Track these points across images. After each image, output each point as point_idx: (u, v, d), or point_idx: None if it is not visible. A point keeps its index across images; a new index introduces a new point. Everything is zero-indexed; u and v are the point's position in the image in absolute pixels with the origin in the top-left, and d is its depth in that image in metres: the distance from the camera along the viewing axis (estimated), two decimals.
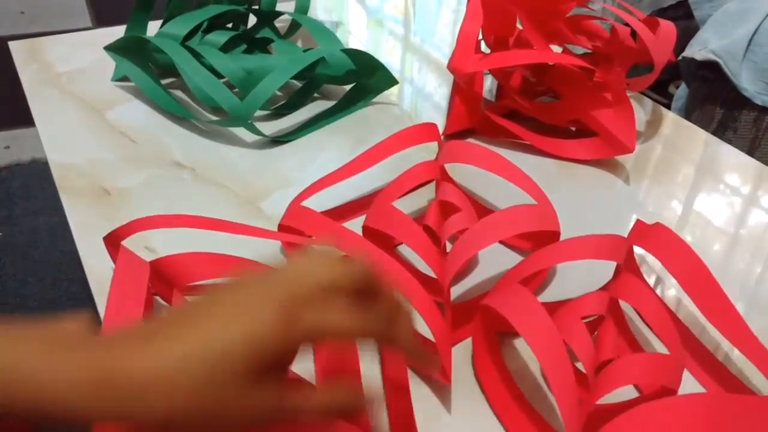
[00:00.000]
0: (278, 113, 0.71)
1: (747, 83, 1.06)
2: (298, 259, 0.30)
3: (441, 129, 0.68)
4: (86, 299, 0.45)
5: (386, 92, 0.74)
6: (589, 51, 0.73)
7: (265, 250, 0.49)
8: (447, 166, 0.56)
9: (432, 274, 0.47)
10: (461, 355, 0.44)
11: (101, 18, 1.67)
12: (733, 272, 0.53)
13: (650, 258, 0.52)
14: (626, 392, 0.42)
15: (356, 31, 0.92)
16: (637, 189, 0.62)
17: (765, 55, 1.04)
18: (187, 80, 0.70)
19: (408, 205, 0.58)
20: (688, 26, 1.25)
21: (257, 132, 0.65)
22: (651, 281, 0.51)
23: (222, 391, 0.27)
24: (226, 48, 0.73)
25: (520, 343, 0.45)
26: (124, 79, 0.74)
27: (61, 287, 1.39)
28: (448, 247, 0.48)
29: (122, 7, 1.49)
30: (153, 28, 0.76)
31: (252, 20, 0.82)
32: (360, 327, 0.29)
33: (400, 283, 0.41)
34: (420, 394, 0.41)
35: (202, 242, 0.46)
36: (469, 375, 0.43)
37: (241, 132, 0.67)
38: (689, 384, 0.43)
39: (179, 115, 0.68)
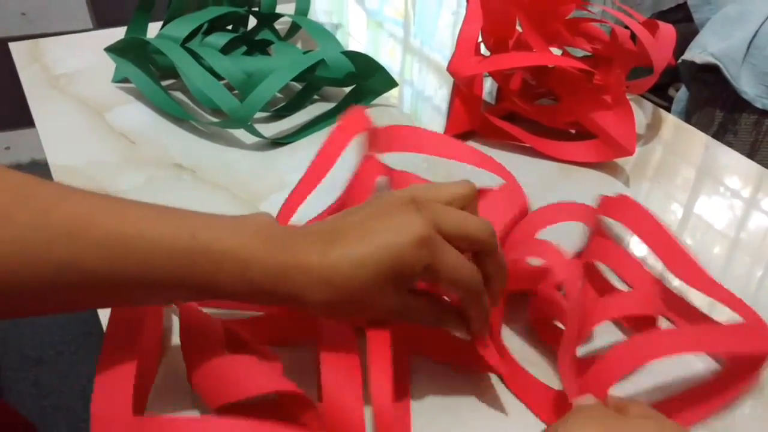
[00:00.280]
0: (278, 115, 0.71)
1: (747, 86, 1.06)
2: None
3: (441, 131, 0.68)
4: None
5: (386, 94, 0.74)
6: (589, 53, 0.73)
7: None
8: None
9: None
10: None
11: (101, 19, 1.67)
12: (734, 275, 0.53)
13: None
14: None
15: (356, 33, 0.92)
16: (636, 192, 0.62)
17: (764, 59, 1.04)
18: (187, 82, 0.70)
19: None
20: (687, 29, 1.25)
21: (257, 134, 0.65)
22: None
23: (377, 290, 0.34)
24: (226, 50, 0.73)
25: None
26: (125, 80, 0.74)
27: None
28: None
29: (123, 8, 1.49)
30: (153, 29, 0.76)
31: (252, 22, 0.82)
32: (476, 277, 0.36)
33: None
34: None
35: None
36: None
37: (240, 134, 0.67)
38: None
39: (179, 117, 0.68)
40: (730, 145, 0.74)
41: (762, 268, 0.54)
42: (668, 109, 1.22)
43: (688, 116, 1.21)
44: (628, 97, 0.64)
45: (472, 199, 0.38)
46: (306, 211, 0.49)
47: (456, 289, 0.36)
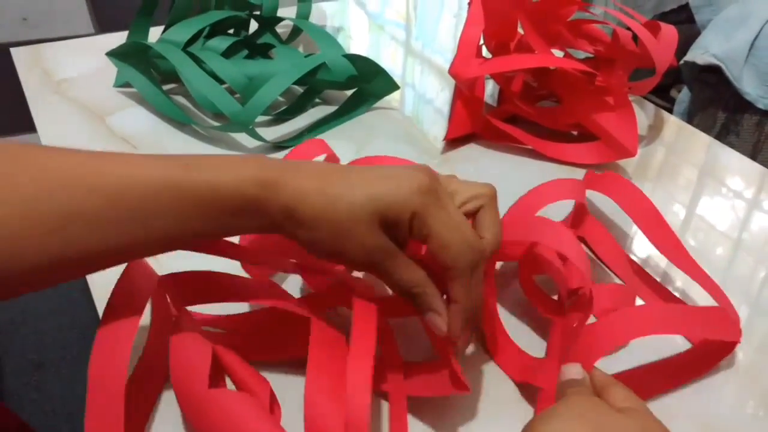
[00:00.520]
0: (279, 118, 0.71)
1: (749, 87, 1.06)
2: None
3: (443, 133, 0.68)
4: (86, 304, 0.45)
5: (387, 97, 0.74)
6: (591, 55, 0.73)
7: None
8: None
9: None
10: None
11: (103, 24, 1.68)
12: (736, 276, 0.53)
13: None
14: None
15: (357, 37, 0.92)
16: None
17: (766, 60, 1.04)
18: (189, 86, 0.70)
19: None
20: (689, 30, 1.25)
21: (258, 137, 0.65)
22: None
23: (365, 220, 0.33)
24: (227, 54, 0.73)
25: None
26: (126, 85, 0.74)
27: (61, 293, 1.39)
28: None
29: (124, 13, 1.50)
30: (155, 34, 0.76)
31: (254, 26, 0.82)
32: (472, 244, 0.35)
33: None
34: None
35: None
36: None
37: (242, 137, 0.67)
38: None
39: (181, 121, 0.68)
40: (732, 146, 0.74)
41: (765, 269, 0.54)
42: (670, 111, 1.22)
43: (690, 117, 1.21)
44: (629, 98, 0.64)
45: (489, 198, 0.38)
46: None
47: (445, 254, 0.34)
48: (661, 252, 0.48)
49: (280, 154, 0.65)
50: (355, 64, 0.70)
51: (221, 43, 0.74)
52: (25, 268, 0.31)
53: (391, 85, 0.72)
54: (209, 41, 0.74)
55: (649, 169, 0.66)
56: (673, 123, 0.74)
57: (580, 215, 0.52)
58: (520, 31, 0.68)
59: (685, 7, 1.33)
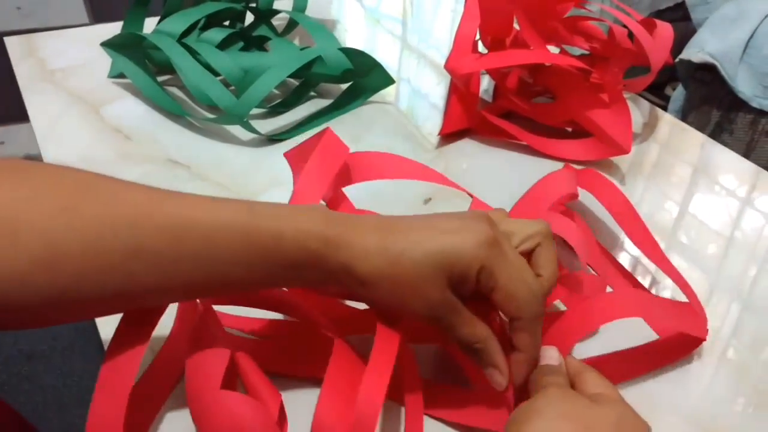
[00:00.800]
0: (274, 111, 0.71)
1: (743, 86, 1.07)
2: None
3: (438, 128, 0.68)
4: None
5: (383, 91, 0.74)
6: (586, 52, 0.73)
7: None
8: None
9: None
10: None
11: (98, 14, 1.67)
12: (728, 274, 0.53)
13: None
14: None
15: (353, 30, 0.92)
16: (632, 190, 0.62)
17: (762, 58, 1.05)
18: (183, 78, 0.70)
19: (404, 206, 0.58)
20: (685, 28, 1.26)
21: (253, 130, 0.65)
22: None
23: (429, 277, 0.33)
24: (223, 46, 0.73)
25: None
26: (121, 75, 0.74)
27: None
28: None
29: (119, 3, 1.49)
30: (150, 24, 0.76)
31: (249, 18, 0.81)
32: (538, 296, 0.35)
33: None
34: None
35: None
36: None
37: (236, 130, 0.67)
38: None
39: (175, 113, 0.68)
40: (726, 144, 0.74)
41: (756, 267, 0.54)
42: (665, 108, 1.22)
43: (684, 115, 1.22)
44: (624, 95, 0.64)
45: (545, 237, 0.38)
46: None
47: (512, 305, 0.35)
48: (635, 245, 0.49)
49: (275, 147, 0.65)
50: (350, 58, 0.70)
51: (217, 35, 0.74)
52: (84, 299, 0.31)
53: (386, 80, 0.72)
54: (205, 33, 0.74)
55: (643, 166, 0.66)
56: (667, 121, 0.74)
57: (559, 206, 0.53)
58: (516, 27, 0.68)
59: (681, 5, 1.33)
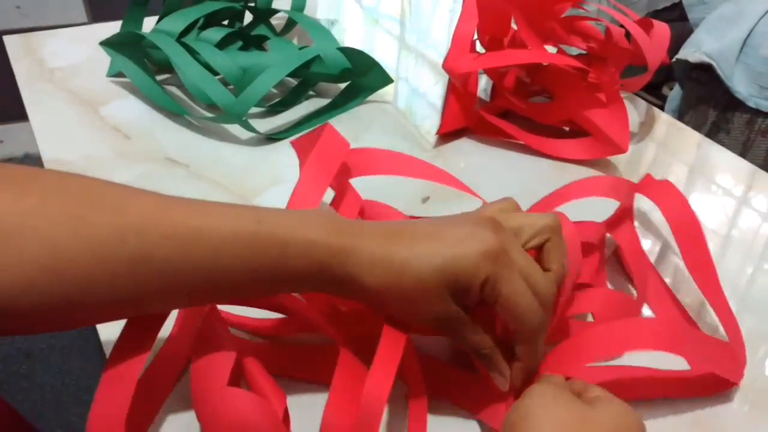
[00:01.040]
0: (273, 110, 0.71)
1: (740, 86, 1.07)
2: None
3: (436, 127, 0.68)
4: None
5: (381, 91, 0.74)
6: (584, 51, 0.73)
7: None
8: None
9: None
10: None
11: (97, 13, 1.67)
12: (725, 273, 0.53)
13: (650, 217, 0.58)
14: None
15: (352, 30, 0.92)
16: None
17: (758, 58, 1.05)
18: (182, 77, 0.70)
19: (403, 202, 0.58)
20: (682, 28, 1.26)
21: (252, 129, 0.65)
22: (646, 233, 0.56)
23: (433, 290, 0.33)
24: (221, 45, 0.73)
25: None
26: (119, 74, 0.74)
27: None
28: None
29: (118, 2, 1.49)
30: (149, 24, 0.76)
31: (248, 17, 0.82)
32: (538, 311, 0.35)
33: None
34: None
35: None
36: None
37: (235, 129, 0.67)
38: None
39: (174, 112, 0.68)
40: (722, 143, 0.74)
41: (753, 266, 0.54)
42: (662, 108, 1.22)
43: (681, 115, 1.22)
44: (621, 95, 0.64)
45: (554, 231, 0.38)
46: None
47: (513, 317, 0.35)
48: (689, 270, 0.46)
49: (274, 146, 0.65)
50: (349, 57, 0.70)
51: (215, 34, 0.74)
52: (92, 305, 0.31)
53: (384, 79, 0.72)
54: (203, 32, 0.74)
55: (640, 165, 0.66)
56: (664, 120, 0.74)
57: (621, 218, 0.51)
58: (514, 26, 0.69)
59: (678, 5, 1.33)
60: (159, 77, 0.73)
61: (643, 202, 0.58)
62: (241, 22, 0.81)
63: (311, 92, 0.74)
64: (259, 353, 0.40)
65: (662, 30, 0.68)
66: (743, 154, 1.08)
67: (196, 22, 0.74)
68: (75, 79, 0.74)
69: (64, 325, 0.33)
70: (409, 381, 0.40)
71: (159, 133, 0.66)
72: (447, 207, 0.58)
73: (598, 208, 0.53)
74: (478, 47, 0.70)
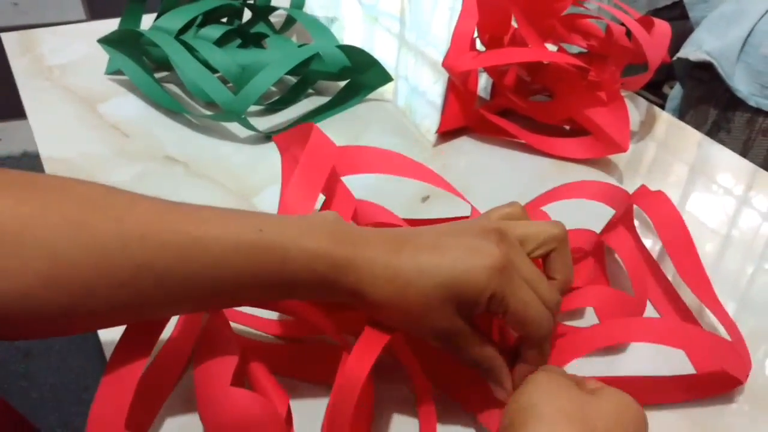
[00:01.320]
0: (272, 108, 0.71)
1: (741, 84, 1.07)
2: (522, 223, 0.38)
3: (436, 126, 0.68)
4: None
5: (380, 89, 0.74)
6: (584, 50, 0.73)
7: None
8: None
9: None
10: None
11: (95, 10, 1.67)
12: (725, 272, 0.53)
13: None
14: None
15: (351, 27, 0.92)
16: (630, 188, 0.62)
17: (759, 57, 1.05)
18: (181, 74, 0.70)
19: (400, 202, 0.58)
20: (683, 27, 1.26)
21: (251, 127, 0.65)
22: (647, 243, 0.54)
23: (437, 305, 0.33)
24: (220, 42, 0.73)
25: None
26: (118, 72, 0.74)
27: None
28: None
29: (115, 0, 1.48)
30: (147, 21, 0.76)
31: (247, 15, 0.81)
32: (547, 321, 0.35)
33: None
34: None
35: None
36: None
37: (234, 127, 0.67)
38: None
39: (172, 110, 0.68)
40: (723, 142, 0.74)
41: (753, 265, 0.54)
42: (662, 107, 1.22)
43: (682, 114, 1.22)
44: (622, 94, 0.64)
45: (560, 242, 0.37)
46: None
47: (522, 327, 0.35)
48: (682, 277, 0.46)
49: (273, 144, 0.64)
50: (348, 55, 0.69)
51: (214, 31, 0.73)
52: (90, 314, 0.31)
53: (384, 77, 0.72)
54: (202, 30, 0.74)
55: (641, 164, 0.66)
56: (664, 119, 0.74)
57: (617, 225, 0.51)
58: (514, 24, 0.68)
59: (679, 4, 1.33)
60: (157, 75, 0.72)
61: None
62: (240, 19, 0.81)
63: (310, 90, 0.74)
64: (262, 353, 0.40)
65: (663, 28, 0.68)
66: (744, 153, 1.08)
67: (194, 19, 0.73)
68: (73, 77, 0.73)
69: (64, 332, 0.33)
70: (417, 384, 0.40)
71: (158, 131, 0.66)
72: (447, 206, 0.57)
73: (594, 216, 0.52)
74: (478, 45, 0.70)
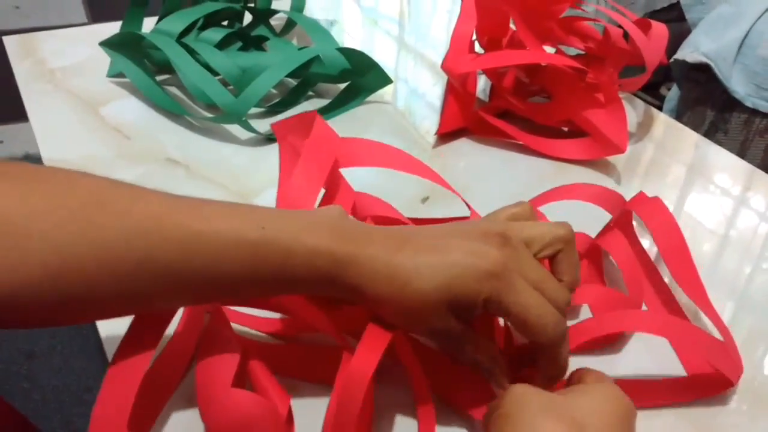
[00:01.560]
0: (273, 111, 0.71)
1: (738, 86, 1.07)
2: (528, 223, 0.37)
3: (435, 128, 0.68)
4: None
5: (380, 91, 0.74)
6: (582, 52, 0.73)
7: None
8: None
9: None
10: None
11: (96, 13, 1.67)
12: (723, 273, 0.54)
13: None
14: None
15: (351, 30, 0.92)
16: (628, 189, 0.63)
17: (756, 58, 1.05)
18: (182, 77, 0.70)
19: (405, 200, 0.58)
20: (680, 28, 1.26)
21: (251, 129, 0.65)
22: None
23: (432, 306, 0.33)
24: (221, 45, 0.74)
25: None
26: (119, 75, 0.74)
27: None
28: None
29: (118, 2, 1.49)
30: (149, 24, 0.76)
31: (248, 18, 0.82)
32: (555, 324, 0.34)
33: None
34: None
35: None
36: None
37: (235, 129, 0.67)
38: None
39: (174, 112, 0.68)
40: (720, 143, 0.75)
41: (751, 265, 0.54)
42: (660, 108, 1.23)
43: (679, 115, 1.22)
44: (620, 95, 0.65)
45: (566, 243, 0.37)
46: None
47: (526, 330, 0.34)
48: (677, 282, 0.46)
49: (273, 146, 0.65)
50: (348, 58, 0.70)
51: (215, 34, 0.74)
52: (93, 306, 0.32)
53: (383, 79, 0.72)
54: (203, 33, 0.75)
55: (638, 165, 0.66)
56: (662, 120, 0.74)
57: (613, 229, 0.51)
58: (513, 27, 0.69)
59: (676, 6, 1.34)
60: (159, 77, 0.73)
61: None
62: (241, 22, 0.81)
63: (311, 92, 0.75)
64: (263, 353, 0.40)
65: (660, 30, 0.69)
66: (741, 154, 1.09)
67: (195, 22, 0.74)
68: (75, 80, 0.74)
69: (65, 321, 0.33)
70: (415, 386, 0.40)
71: (159, 134, 0.66)
72: (447, 207, 0.58)
73: (591, 220, 0.53)
74: (477, 48, 0.70)
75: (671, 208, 0.61)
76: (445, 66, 0.65)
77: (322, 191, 0.46)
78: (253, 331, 0.44)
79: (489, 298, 0.33)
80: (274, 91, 0.74)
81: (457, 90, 0.66)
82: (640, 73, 0.67)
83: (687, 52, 1.12)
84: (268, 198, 0.58)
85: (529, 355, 0.38)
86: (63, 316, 0.32)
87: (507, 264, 0.33)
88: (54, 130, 0.66)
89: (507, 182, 0.62)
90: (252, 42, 0.77)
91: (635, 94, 0.77)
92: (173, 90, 0.73)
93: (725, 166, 0.67)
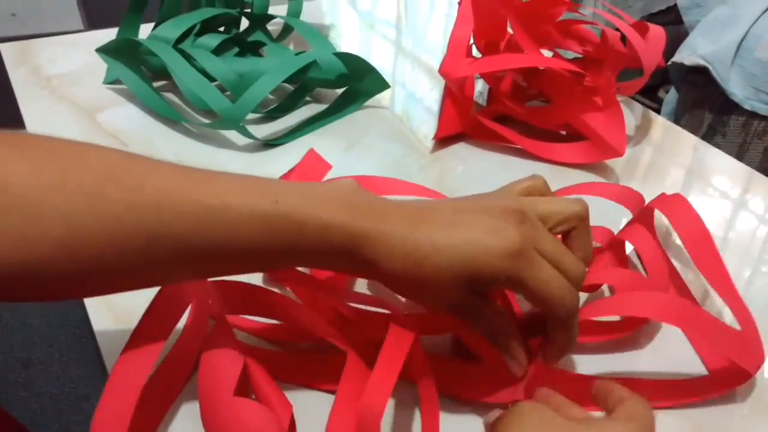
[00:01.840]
0: (270, 116, 0.71)
1: (736, 88, 1.07)
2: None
3: (433, 132, 0.68)
4: (75, 302, 0.45)
5: (378, 96, 0.74)
6: (580, 55, 0.73)
7: None
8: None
9: None
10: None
11: (93, 20, 1.67)
12: None
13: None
14: None
15: (348, 35, 0.92)
16: None
17: (753, 60, 1.05)
18: (179, 83, 0.70)
19: None
20: (677, 31, 1.26)
21: (249, 135, 0.65)
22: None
23: (450, 282, 0.33)
24: (218, 51, 0.73)
25: None
26: (116, 81, 0.74)
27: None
28: None
29: (114, 9, 1.49)
30: (145, 30, 0.76)
31: (244, 23, 0.82)
32: (570, 298, 0.35)
33: None
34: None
35: None
36: None
37: (232, 135, 0.67)
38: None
39: (171, 118, 0.68)
40: (718, 146, 0.75)
41: (750, 268, 0.54)
42: (658, 111, 1.23)
43: (677, 118, 1.22)
44: (618, 98, 0.65)
45: (581, 219, 0.37)
46: None
47: (544, 306, 0.35)
48: (704, 276, 0.46)
49: (271, 152, 0.65)
50: (345, 63, 0.70)
51: (212, 40, 0.74)
52: (104, 279, 0.32)
53: (381, 84, 0.72)
54: (200, 38, 0.74)
55: (637, 169, 0.66)
56: (660, 123, 0.74)
57: (637, 225, 0.51)
58: (510, 30, 0.69)
59: (674, 8, 1.34)
60: (156, 84, 0.73)
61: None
62: (238, 28, 0.81)
63: (308, 98, 0.74)
64: (265, 360, 0.40)
65: (658, 33, 0.69)
66: (739, 156, 1.09)
67: (192, 28, 0.74)
68: (72, 87, 0.74)
69: (75, 295, 0.33)
70: (421, 385, 0.40)
71: (156, 140, 0.66)
72: None
73: (605, 218, 0.53)
74: (475, 52, 0.70)
75: None
76: (442, 70, 0.65)
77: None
78: (256, 339, 0.44)
79: (509, 277, 0.33)
80: (271, 96, 0.74)
81: (454, 94, 0.66)
82: (637, 76, 0.67)
83: (684, 55, 1.12)
84: None
85: (538, 325, 0.38)
86: (74, 289, 0.32)
87: (526, 241, 0.33)
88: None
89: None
90: (249, 47, 0.77)
91: (633, 98, 0.77)
92: (170, 96, 0.73)
93: (724, 169, 0.67)
